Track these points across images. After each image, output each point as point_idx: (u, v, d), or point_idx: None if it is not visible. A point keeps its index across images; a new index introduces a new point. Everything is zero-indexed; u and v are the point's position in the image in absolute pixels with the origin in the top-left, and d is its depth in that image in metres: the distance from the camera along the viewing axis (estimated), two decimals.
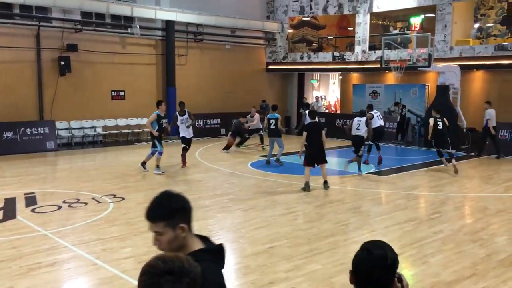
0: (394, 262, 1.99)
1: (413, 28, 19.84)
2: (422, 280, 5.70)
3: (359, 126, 12.15)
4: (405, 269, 6.15)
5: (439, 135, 12.66)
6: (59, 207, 8.84)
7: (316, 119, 11.14)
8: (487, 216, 8.51)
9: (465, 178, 12.36)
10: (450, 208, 9.19)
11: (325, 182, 10.50)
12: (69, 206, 8.97)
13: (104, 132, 18.61)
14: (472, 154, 15.98)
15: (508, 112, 18.02)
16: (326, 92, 28.01)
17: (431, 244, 6.91)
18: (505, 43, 18.37)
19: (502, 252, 6.60)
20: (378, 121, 13.57)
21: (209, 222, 8.08)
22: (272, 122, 13.58)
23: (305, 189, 10.26)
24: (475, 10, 21.61)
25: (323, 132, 10.43)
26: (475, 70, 19.17)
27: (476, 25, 21.74)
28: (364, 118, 12.26)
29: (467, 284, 5.52)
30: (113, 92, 19.15)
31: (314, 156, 10.34)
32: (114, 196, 9.73)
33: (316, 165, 10.45)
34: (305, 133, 10.41)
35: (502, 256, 6.42)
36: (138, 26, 19.16)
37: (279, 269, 5.90)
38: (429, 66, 17.07)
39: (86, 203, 9.14)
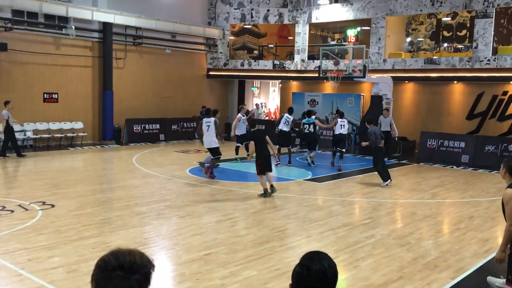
0: (334, 274, 2.01)
1: (349, 40, 20.56)
2: (353, 284, 5.87)
3: (343, 126, 14.98)
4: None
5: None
6: None
7: (257, 127, 11.52)
8: (415, 221, 8.92)
9: (396, 185, 12.91)
10: (381, 213, 9.56)
11: (272, 186, 10.58)
12: None
13: (35, 136, 17.76)
14: (404, 162, 16.71)
15: (436, 122, 19.12)
16: (267, 100, 28.34)
17: (363, 249, 7.15)
18: (434, 57, 19.46)
19: (427, 255, 6.94)
20: (339, 129, 15.06)
21: (145, 229, 7.91)
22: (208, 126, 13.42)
23: (265, 195, 10.36)
24: (407, 24, 22.78)
25: (267, 137, 10.67)
26: (406, 82, 20.14)
27: (408, 39, 22.90)
28: (345, 119, 15.31)
29: (395, 287, 5.75)
30: (45, 95, 18.35)
31: (265, 164, 10.46)
32: (44, 203, 9.29)
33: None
34: (252, 143, 10.46)
35: (428, 260, 6.74)
36: (73, 27, 18.50)
37: (214, 276, 5.87)
38: (364, 76, 17.73)
39: (12, 211, 8.66)
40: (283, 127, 15.37)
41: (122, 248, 1.68)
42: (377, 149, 12.23)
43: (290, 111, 15.89)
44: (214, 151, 12.38)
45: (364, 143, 12.96)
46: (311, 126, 15.06)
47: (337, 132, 14.96)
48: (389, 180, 12.14)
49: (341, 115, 15.47)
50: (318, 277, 1.98)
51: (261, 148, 10.45)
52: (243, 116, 15.31)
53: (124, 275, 1.59)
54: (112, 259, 1.63)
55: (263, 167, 10.46)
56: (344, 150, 15.15)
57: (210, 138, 12.32)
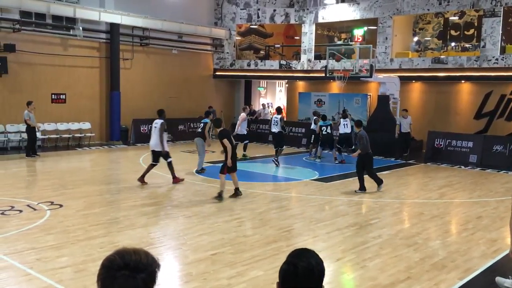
0: (321, 272, 2.01)
1: (356, 40, 20.51)
2: (360, 284, 5.86)
3: (346, 126, 15.79)
4: (344, 274, 6.31)
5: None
6: None
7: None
8: (422, 221, 8.88)
9: (403, 185, 12.87)
10: (388, 213, 9.52)
11: (238, 189, 10.25)
12: (2, 213, 8.52)
13: (43, 137, 17.86)
14: (411, 161, 16.64)
15: (444, 122, 19.01)
16: (273, 100, 28.31)
17: (370, 249, 7.13)
18: (441, 57, 19.36)
19: (435, 256, 6.90)
20: (343, 128, 16.02)
21: (152, 229, 7.94)
22: (201, 125, 13.55)
23: (221, 198, 9.92)
24: (414, 24, 22.68)
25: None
26: (413, 81, 20.05)
27: (415, 39, 22.80)
28: (348, 119, 16.00)
29: (402, 287, 5.72)
30: (53, 95, 18.45)
31: (234, 164, 10.12)
32: (52, 203, 9.34)
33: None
34: (226, 140, 9.97)
35: (435, 260, 6.71)
36: (81, 28, 18.60)
37: (221, 276, 5.88)
38: (370, 76, 17.67)
39: (20, 211, 8.72)
40: (272, 128, 15.35)
41: (128, 247, 1.69)
42: (368, 155, 11.30)
43: (278, 110, 15.65)
44: (160, 154, 11.54)
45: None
46: (328, 127, 15.74)
47: (342, 132, 16.02)
48: (382, 184, 11.53)
49: (343, 115, 16.30)
50: (305, 274, 1.97)
51: (232, 149, 10.12)
52: (247, 116, 16.04)
53: (129, 274, 1.60)
54: (117, 258, 1.63)
55: (232, 167, 10.09)
56: (351, 148, 16.08)
57: (155, 140, 11.51)
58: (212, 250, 6.83)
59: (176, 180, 11.71)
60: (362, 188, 11.26)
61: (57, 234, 7.40)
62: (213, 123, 10.66)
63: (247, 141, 16.46)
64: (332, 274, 6.25)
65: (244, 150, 16.23)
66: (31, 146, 15.51)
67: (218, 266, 6.22)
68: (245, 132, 16.14)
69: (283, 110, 16.54)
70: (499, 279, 5.85)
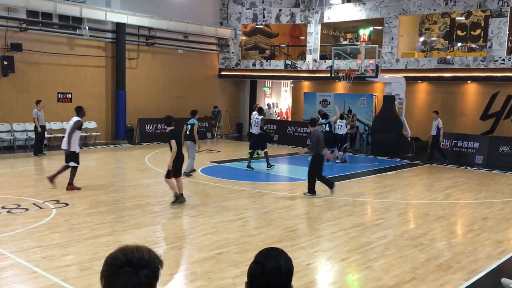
0: (288, 271, 1.99)
1: (361, 40, 20.47)
2: (365, 285, 5.85)
3: (341, 127, 15.67)
4: (349, 274, 6.30)
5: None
6: None
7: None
8: (427, 222, 8.85)
9: (409, 185, 12.84)
10: (393, 214, 9.50)
11: (181, 195, 9.42)
12: (8, 211, 8.58)
13: (49, 135, 17.95)
14: (416, 162, 16.58)
15: (450, 123, 18.92)
16: (278, 100, 28.33)
17: (375, 249, 7.11)
18: (447, 57, 19.29)
19: (440, 256, 6.88)
20: (338, 129, 15.81)
21: (157, 228, 7.96)
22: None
23: (181, 199, 9.38)
24: (420, 24, 22.61)
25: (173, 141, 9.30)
26: (419, 81, 19.99)
27: (421, 39, 22.74)
28: (344, 121, 15.87)
29: None
30: (59, 94, 18.55)
31: (180, 168, 9.44)
32: (58, 201, 9.39)
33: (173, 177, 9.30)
34: (174, 141, 9.15)
35: (441, 261, 6.69)
36: (87, 28, 18.67)
37: (226, 275, 5.88)
38: (376, 76, 17.64)
39: (27, 209, 8.77)
40: (252, 128, 14.49)
41: (130, 244, 1.70)
42: (318, 157, 10.67)
43: (259, 110, 14.82)
44: (70, 156, 10.48)
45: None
46: (326, 126, 15.50)
47: (336, 132, 15.84)
48: (335, 186, 10.75)
49: (341, 117, 15.99)
50: (273, 274, 1.96)
51: (180, 150, 9.40)
52: (258, 115, 15.23)
53: (132, 270, 1.61)
54: (120, 255, 1.65)
55: (178, 171, 9.37)
56: (343, 147, 16.12)
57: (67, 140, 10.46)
58: (217, 250, 6.83)
59: (70, 187, 10.41)
60: (312, 191, 10.64)
61: (63, 233, 7.44)
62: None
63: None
64: (336, 275, 6.24)
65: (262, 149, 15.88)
66: (38, 146, 15.59)
67: (223, 265, 6.23)
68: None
69: (264, 110, 15.69)
70: (505, 280, 5.82)
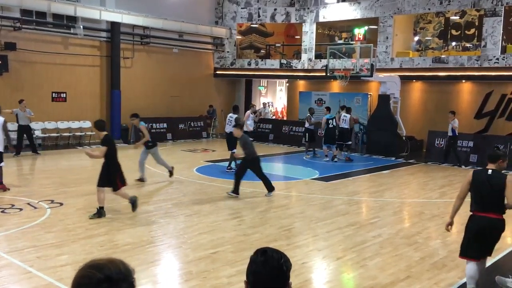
0: (288, 267, 2.03)
1: (356, 39, 20.50)
2: (360, 283, 5.86)
3: (345, 121, 15.91)
4: (345, 273, 6.31)
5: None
6: None
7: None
8: (422, 220, 8.88)
9: (404, 184, 12.87)
10: (388, 213, 9.52)
11: (102, 208, 8.33)
12: (2, 211, 8.53)
13: (43, 135, 17.88)
14: (411, 161, 16.63)
15: (444, 122, 18.96)
16: (274, 99, 28.33)
17: (370, 248, 7.13)
18: (442, 56, 19.35)
19: (435, 255, 6.90)
20: (342, 123, 16.11)
21: (152, 228, 7.94)
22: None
23: (101, 215, 8.26)
24: (415, 23, 22.68)
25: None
26: (414, 81, 20.04)
27: (416, 38, 22.80)
28: (349, 115, 16.09)
29: (402, 286, 5.73)
30: (54, 94, 18.46)
31: (122, 175, 8.55)
32: (52, 201, 9.35)
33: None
34: (105, 148, 8.19)
35: (436, 259, 6.71)
36: (81, 27, 18.60)
37: (221, 275, 5.88)
38: (371, 75, 17.66)
39: (21, 209, 8.73)
40: (226, 127, 13.91)
41: (98, 259, 1.59)
42: (254, 160, 10.36)
43: (234, 109, 14.39)
44: None
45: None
46: (334, 120, 15.96)
47: (340, 126, 16.16)
48: (274, 190, 10.52)
49: (347, 110, 16.37)
50: (274, 268, 2.00)
51: (116, 157, 8.43)
52: (252, 114, 15.50)
53: (112, 286, 1.51)
54: (95, 272, 1.52)
55: (123, 179, 8.56)
56: (347, 143, 16.45)
57: None
58: (212, 249, 6.83)
59: (1, 186, 10.07)
60: (236, 191, 10.20)
61: (58, 232, 7.41)
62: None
63: (252, 139, 16.45)
64: (332, 273, 6.25)
65: None
66: (18, 146, 15.31)
67: (218, 264, 6.22)
68: (251, 129, 15.59)
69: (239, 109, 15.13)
70: (499, 278, 5.85)
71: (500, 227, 5.32)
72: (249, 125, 15.43)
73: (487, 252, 5.46)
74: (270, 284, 1.99)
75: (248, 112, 15.66)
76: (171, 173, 12.08)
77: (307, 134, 16.77)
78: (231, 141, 13.09)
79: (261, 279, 1.99)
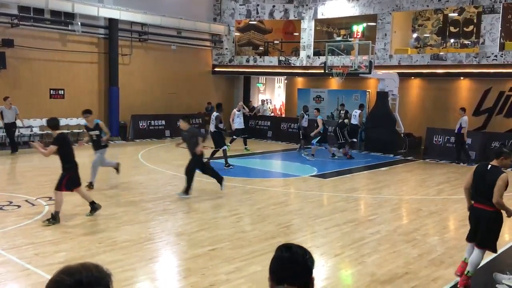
0: (311, 257, 2.07)
1: (355, 36, 20.47)
2: (359, 280, 5.87)
3: (355, 117, 16.45)
4: (343, 269, 6.32)
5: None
6: None
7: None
8: (420, 217, 8.90)
9: (402, 181, 12.88)
10: (386, 210, 9.53)
11: (57, 213, 7.75)
12: (0, 208, 8.52)
13: (41, 132, 17.84)
14: (409, 158, 16.64)
15: (442, 119, 19.00)
16: (272, 96, 28.30)
17: (368, 245, 7.14)
18: (440, 53, 19.34)
19: (433, 251, 6.92)
20: (352, 119, 16.60)
21: (150, 225, 7.93)
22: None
23: (55, 220, 7.63)
24: (413, 20, 22.65)
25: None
26: (412, 78, 20.03)
27: (414, 35, 22.77)
28: (358, 111, 16.62)
29: (400, 282, 5.74)
30: (52, 91, 18.41)
31: (77, 176, 8.03)
32: (50, 198, 9.32)
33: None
34: (54, 147, 7.72)
35: (433, 256, 6.72)
36: (79, 23, 18.53)
37: (219, 271, 5.88)
38: (369, 73, 17.66)
39: (19, 206, 8.72)
40: (211, 127, 13.84)
41: (73, 264, 1.56)
42: (200, 157, 10.10)
43: (218, 107, 14.37)
44: None
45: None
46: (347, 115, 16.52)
47: (351, 122, 16.54)
48: (189, 195, 9.90)
49: (360, 106, 17.08)
50: (299, 257, 2.03)
51: (72, 156, 8.00)
52: (238, 111, 16.34)
53: None
54: (66, 277, 1.49)
55: (76, 181, 8.01)
56: (355, 140, 16.88)
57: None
58: (210, 246, 6.83)
59: None
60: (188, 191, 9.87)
61: (55, 229, 7.40)
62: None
63: (246, 135, 17.16)
64: (330, 270, 6.26)
65: (245, 144, 17.18)
66: (12, 143, 15.29)
67: (216, 261, 6.22)
68: (242, 126, 16.62)
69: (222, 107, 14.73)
70: (496, 275, 5.87)
71: (493, 219, 5.52)
72: (235, 123, 15.86)
73: (476, 239, 5.69)
74: (295, 280, 2.00)
75: (234, 110, 16.07)
76: (117, 170, 11.26)
77: (300, 131, 16.89)
78: (217, 139, 13.49)
79: (286, 275, 2.01)
